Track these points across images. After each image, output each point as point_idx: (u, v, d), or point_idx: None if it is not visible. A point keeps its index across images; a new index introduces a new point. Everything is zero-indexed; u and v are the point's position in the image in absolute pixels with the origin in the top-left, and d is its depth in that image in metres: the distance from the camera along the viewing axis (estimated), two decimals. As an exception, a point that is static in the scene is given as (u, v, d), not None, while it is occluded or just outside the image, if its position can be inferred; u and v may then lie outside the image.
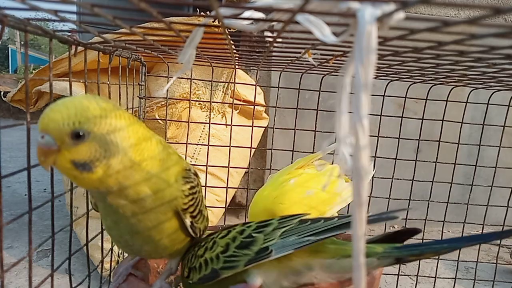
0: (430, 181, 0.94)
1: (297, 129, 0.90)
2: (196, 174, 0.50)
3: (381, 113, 0.90)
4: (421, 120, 0.91)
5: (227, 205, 1.00)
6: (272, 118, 1.44)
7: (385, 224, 1.00)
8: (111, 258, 0.73)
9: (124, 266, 0.56)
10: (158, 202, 0.43)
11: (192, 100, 0.97)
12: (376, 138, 0.92)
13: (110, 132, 0.37)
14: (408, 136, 0.92)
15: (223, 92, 1.17)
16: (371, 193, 0.85)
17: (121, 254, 0.79)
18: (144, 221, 0.43)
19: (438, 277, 0.98)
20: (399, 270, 0.98)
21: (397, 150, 0.92)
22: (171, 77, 0.87)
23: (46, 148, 0.36)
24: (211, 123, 0.93)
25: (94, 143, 0.36)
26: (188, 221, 0.46)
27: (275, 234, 0.46)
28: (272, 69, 0.95)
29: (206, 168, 0.91)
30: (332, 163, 0.78)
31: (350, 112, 0.30)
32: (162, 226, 0.44)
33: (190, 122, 0.94)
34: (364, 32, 0.28)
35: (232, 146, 0.90)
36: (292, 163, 0.92)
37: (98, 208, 0.47)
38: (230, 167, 0.93)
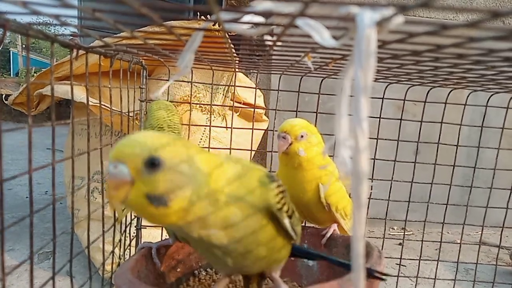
0: (430, 183, 0.94)
1: (297, 132, 0.90)
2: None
3: (380, 115, 0.91)
4: (420, 122, 0.92)
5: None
6: (272, 121, 1.45)
7: (385, 226, 1.00)
8: (113, 260, 0.73)
9: (148, 244, 0.62)
10: (252, 215, 0.40)
11: (192, 103, 0.97)
12: (375, 140, 0.92)
13: (183, 161, 0.35)
14: (407, 138, 0.92)
15: (223, 95, 1.18)
16: (370, 195, 0.86)
17: (122, 256, 0.79)
18: (243, 241, 0.40)
19: (437, 279, 0.98)
20: (398, 272, 0.98)
21: (396, 152, 0.93)
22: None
23: (119, 180, 0.34)
24: (212, 126, 0.93)
25: (169, 173, 0.34)
26: (286, 221, 0.43)
27: None
28: (272, 72, 0.95)
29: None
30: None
31: (349, 115, 0.30)
32: (261, 237, 0.41)
33: (191, 125, 0.95)
34: (364, 36, 0.28)
35: (232, 149, 0.91)
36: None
37: (190, 242, 0.44)
38: (231, 170, 0.93)
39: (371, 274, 0.49)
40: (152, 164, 0.34)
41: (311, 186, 0.68)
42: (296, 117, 0.90)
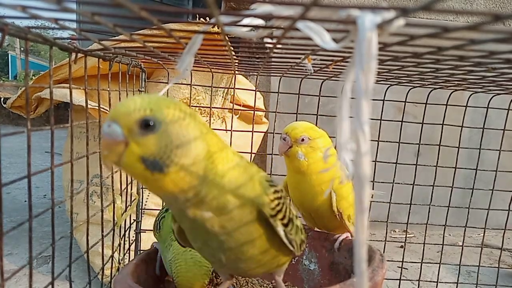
0: (431, 185, 0.94)
1: (297, 134, 0.90)
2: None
3: (381, 117, 0.90)
4: (421, 124, 0.91)
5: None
6: (272, 123, 1.45)
7: (386, 229, 0.99)
8: (112, 265, 0.73)
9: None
10: (247, 211, 0.39)
11: (192, 106, 0.97)
12: (376, 142, 0.92)
13: (182, 126, 0.34)
14: (408, 140, 0.92)
15: (223, 97, 1.17)
16: (372, 197, 0.85)
17: (121, 260, 0.79)
18: (234, 235, 0.39)
19: (440, 282, 0.97)
20: (400, 275, 0.97)
21: (397, 154, 0.92)
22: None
23: (112, 139, 0.33)
24: (211, 128, 0.93)
25: (164, 135, 0.33)
26: (280, 229, 0.42)
27: None
28: (272, 74, 0.95)
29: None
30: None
31: (350, 117, 0.30)
32: (254, 239, 0.40)
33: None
34: (364, 39, 0.28)
35: (232, 151, 0.90)
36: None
37: (186, 230, 0.43)
38: (231, 172, 0.92)
39: None
40: (146, 125, 0.33)
41: (318, 191, 0.66)
42: (296, 119, 0.90)
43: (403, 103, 0.90)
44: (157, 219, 0.67)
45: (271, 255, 0.44)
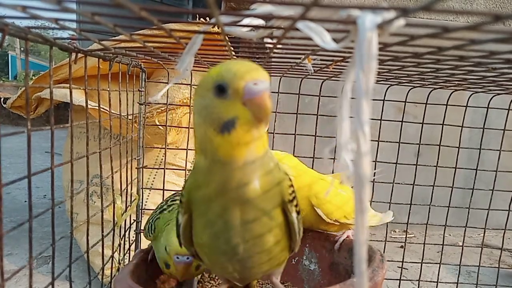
0: (431, 185, 0.93)
1: (297, 134, 0.90)
2: None
3: (381, 117, 0.90)
4: (421, 124, 0.91)
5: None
6: (272, 123, 1.44)
7: (386, 229, 0.99)
8: (112, 265, 0.73)
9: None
10: (277, 193, 0.41)
11: (192, 106, 0.96)
12: (377, 142, 0.92)
13: None
14: (408, 140, 0.92)
15: (223, 97, 1.17)
16: (372, 197, 0.85)
17: (121, 260, 0.79)
18: (262, 221, 0.40)
19: (440, 282, 0.97)
20: (400, 275, 0.97)
21: (398, 154, 0.92)
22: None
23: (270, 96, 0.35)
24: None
25: None
26: (294, 215, 0.43)
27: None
28: (272, 74, 0.95)
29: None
30: (333, 171, 0.79)
31: (351, 117, 0.30)
32: (272, 227, 0.42)
33: (190, 128, 0.94)
34: (365, 39, 0.28)
35: (232, 152, 0.90)
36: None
37: (206, 216, 0.42)
38: (231, 173, 0.92)
39: None
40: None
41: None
42: (296, 119, 0.90)
43: (403, 103, 0.90)
44: (150, 220, 0.66)
45: (280, 248, 0.44)
